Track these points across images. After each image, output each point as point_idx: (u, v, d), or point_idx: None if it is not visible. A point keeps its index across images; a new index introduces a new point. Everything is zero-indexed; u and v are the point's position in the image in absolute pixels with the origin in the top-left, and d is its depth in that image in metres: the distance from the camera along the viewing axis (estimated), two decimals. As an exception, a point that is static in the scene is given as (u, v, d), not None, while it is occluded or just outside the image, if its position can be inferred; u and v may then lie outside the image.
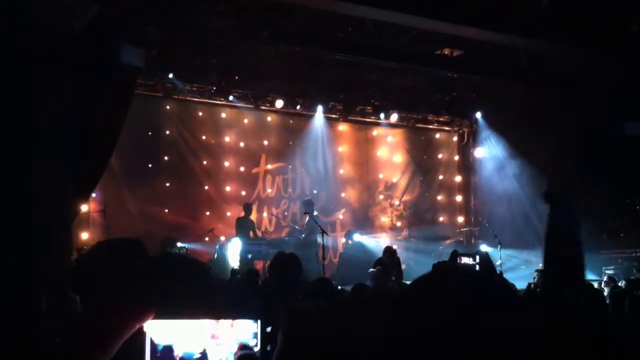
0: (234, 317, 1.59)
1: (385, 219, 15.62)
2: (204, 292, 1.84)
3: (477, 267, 5.25)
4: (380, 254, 12.70)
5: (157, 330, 1.60)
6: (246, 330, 1.58)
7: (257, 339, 1.56)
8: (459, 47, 11.58)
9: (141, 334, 1.59)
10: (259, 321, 1.57)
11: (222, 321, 1.60)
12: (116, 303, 1.63)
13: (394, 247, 11.79)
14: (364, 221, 15.24)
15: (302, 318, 1.49)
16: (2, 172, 6.63)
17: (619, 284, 8.83)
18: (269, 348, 1.54)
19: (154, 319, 1.61)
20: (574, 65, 11.44)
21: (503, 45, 11.04)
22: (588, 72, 11.51)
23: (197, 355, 1.58)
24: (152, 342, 1.61)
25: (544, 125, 12.82)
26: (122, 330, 1.55)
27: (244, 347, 1.56)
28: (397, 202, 15.74)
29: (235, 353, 1.58)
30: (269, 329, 1.56)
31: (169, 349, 1.59)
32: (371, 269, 9.18)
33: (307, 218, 12.26)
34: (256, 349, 1.58)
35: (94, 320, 1.59)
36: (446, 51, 11.90)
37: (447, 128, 16.32)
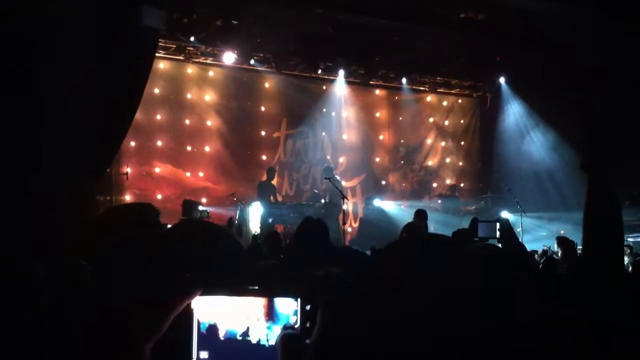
0: (274, 295, 1.57)
1: (405, 184, 15.59)
2: (241, 268, 1.84)
3: (498, 234, 5.20)
4: (400, 219, 12.74)
5: (200, 308, 1.60)
6: (286, 308, 1.57)
7: (296, 316, 1.55)
8: (485, 11, 11.34)
9: (189, 310, 1.58)
10: (298, 299, 1.55)
11: (261, 299, 1.59)
12: (168, 278, 1.62)
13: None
14: (385, 186, 15.22)
15: (340, 294, 1.48)
16: (23, 136, 6.68)
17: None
18: (308, 325, 1.52)
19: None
20: (599, 30, 11.16)
21: (528, 9, 10.80)
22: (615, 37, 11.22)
23: (240, 334, 1.57)
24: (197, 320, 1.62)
25: (569, 91, 12.58)
26: (173, 306, 1.55)
27: (287, 327, 1.55)
28: (418, 168, 15.67)
29: (280, 333, 1.57)
30: (308, 307, 1.55)
31: (212, 327, 1.58)
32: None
33: (328, 183, 12.26)
34: (294, 325, 1.57)
35: (139, 297, 1.58)
36: (470, 14, 11.67)
37: (469, 93, 16.11)
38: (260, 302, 1.58)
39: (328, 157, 14.53)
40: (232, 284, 1.61)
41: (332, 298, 1.42)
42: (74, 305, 1.62)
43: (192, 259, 1.75)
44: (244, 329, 1.57)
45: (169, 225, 2.10)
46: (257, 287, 1.62)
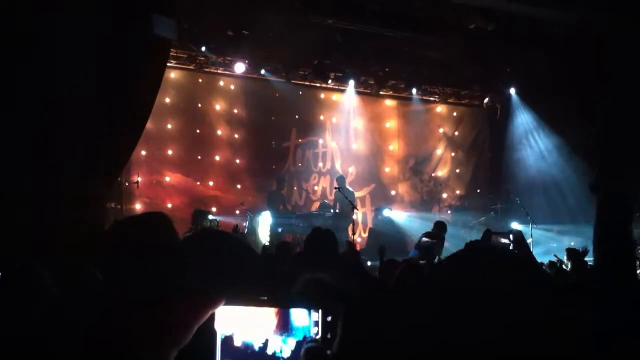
0: (295, 306, 1.57)
1: (415, 195, 15.56)
2: (260, 278, 1.85)
3: (511, 246, 5.20)
4: (409, 229, 12.73)
5: (220, 318, 1.61)
6: (302, 319, 1.56)
7: (317, 327, 1.54)
8: (493, 20, 11.35)
9: (212, 320, 1.59)
10: (320, 310, 1.54)
11: (280, 310, 1.59)
12: (191, 289, 1.63)
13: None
14: (394, 196, 15.20)
15: (360, 307, 1.49)
16: (31, 143, 6.72)
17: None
18: (329, 336, 1.52)
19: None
20: (610, 38, 11.13)
21: (538, 18, 10.81)
22: (625, 44, 11.19)
23: (259, 345, 1.56)
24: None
25: (579, 101, 12.54)
26: (198, 316, 1.56)
27: (310, 340, 1.54)
28: (427, 178, 15.65)
29: (302, 345, 1.56)
30: (329, 318, 1.54)
31: (230, 338, 1.58)
32: (425, 239, 9.14)
33: (336, 192, 12.28)
34: (317, 337, 1.56)
35: (165, 304, 1.59)
36: (480, 25, 11.68)
37: (479, 103, 16.10)
38: (276, 313, 1.58)
39: (338, 167, 14.55)
40: (252, 294, 1.61)
41: (352, 310, 1.43)
42: (83, 309, 1.63)
43: (211, 269, 1.75)
44: (263, 340, 1.57)
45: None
46: (277, 299, 1.62)
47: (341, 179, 12.79)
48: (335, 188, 12.34)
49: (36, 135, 6.74)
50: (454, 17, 11.32)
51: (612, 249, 2.65)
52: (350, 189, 12.98)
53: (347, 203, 11.58)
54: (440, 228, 9.91)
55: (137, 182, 11.49)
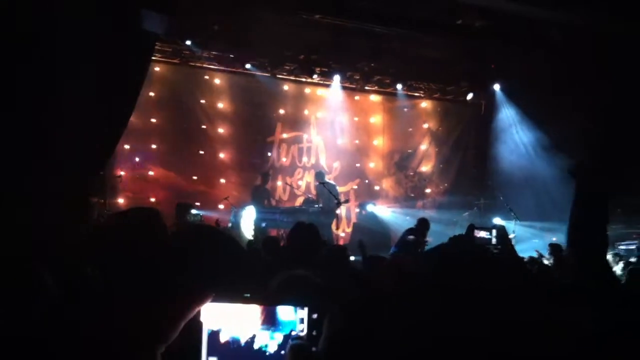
0: (282, 304, 1.58)
1: (399, 190, 15.61)
2: (247, 274, 1.85)
3: (494, 241, 5.25)
4: (393, 224, 12.78)
5: (206, 314, 1.61)
6: (288, 316, 1.57)
7: (303, 324, 1.55)
8: (482, 18, 11.40)
9: (198, 317, 1.59)
10: (306, 308, 1.55)
11: (267, 306, 1.59)
12: (178, 284, 1.64)
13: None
14: (378, 192, 15.24)
15: (346, 304, 1.50)
16: (18, 141, 6.67)
17: (631, 259, 8.79)
18: (314, 333, 1.53)
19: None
20: (599, 36, 11.23)
21: (524, 15, 10.87)
22: (612, 43, 11.29)
23: (245, 341, 1.58)
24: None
25: (564, 98, 12.64)
26: (184, 313, 1.56)
27: (295, 337, 1.55)
28: (412, 173, 15.70)
29: (288, 342, 1.56)
30: (315, 316, 1.55)
31: (218, 333, 1.59)
32: (410, 236, 9.16)
33: (319, 187, 12.27)
34: (302, 334, 1.57)
35: (150, 303, 1.59)
36: (467, 21, 11.73)
37: (464, 99, 16.16)
38: (263, 309, 1.59)
39: (322, 162, 14.56)
40: (240, 291, 1.62)
41: (339, 307, 1.44)
42: (83, 309, 1.63)
43: (199, 265, 1.76)
44: (250, 336, 1.58)
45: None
46: (263, 296, 1.63)
47: (320, 175, 12.76)
48: (320, 183, 12.35)
49: (19, 130, 6.69)
50: (440, 14, 11.36)
51: (587, 244, 2.70)
52: (332, 182, 12.97)
53: (332, 198, 11.58)
54: (423, 225, 9.95)
55: (120, 176, 11.42)
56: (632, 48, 11.10)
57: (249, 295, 1.61)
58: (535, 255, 8.96)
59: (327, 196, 11.99)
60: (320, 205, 12.46)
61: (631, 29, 10.68)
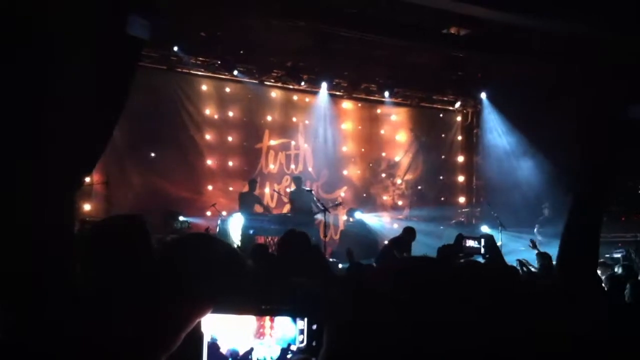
0: (281, 314, 1.56)
1: (386, 198, 15.64)
2: (248, 284, 1.81)
3: (482, 250, 5.26)
4: (381, 232, 12.78)
5: (208, 325, 1.59)
6: (292, 327, 1.54)
7: (303, 335, 1.53)
8: (469, 26, 11.47)
9: (199, 327, 1.57)
10: (305, 319, 1.53)
11: (265, 317, 1.58)
12: (178, 295, 1.60)
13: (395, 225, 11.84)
14: (366, 199, 15.24)
15: (344, 314, 1.47)
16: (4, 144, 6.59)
17: (615, 269, 8.82)
18: (314, 344, 1.50)
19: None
20: (583, 45, 11.33)
21: (512, 24, 10.95)
22: (597, 51, 11.40)
23: (244, 352, 1.55)
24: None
25: (550, 107, 12.74)
26: (185, 323, 1.54)
27: (297, 351, 1.53)
28: (399, 181, 15.73)
29: (287, 354, 1.53)
30: (314, 327, 1.52)
31: (217, 344, 1.57)
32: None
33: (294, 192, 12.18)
34: (301, 345, 1.55)
35: (150, 313, 1.56)
36: (454, 30, 11.80)
37: (451, 108, 16.24)
38: (263, 320, 1.57)
39: (310, 169, 14.55)
40: (240, 302, 1.60)
41: (339, 318, 1.41)
42: (83, 317, 1.60)
43: (201, 275, 1.70)
44: (249, 347, 1.56)
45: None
46: (263, 307, 1.60)
47: (298, 179, 12.70)
48: (308, 190, 12.34)
49: (4, 133, 6.62)
50: (426, 22, 11.41)
51: (578, 249, 2.71)
52: (308, 188, 12.92)
53: (307, 203, 11.56)
54: (409, 234, 9.95)
55: (107, 182, 11.34)
56: (617, 55, 11.21)
57: (252, 306, 1.59)
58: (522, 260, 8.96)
59: (303, 201, 11.96)
60: (291, 212, 12.40)
61: (616, 37, 10.79)
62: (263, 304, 1.60)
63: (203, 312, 1.56)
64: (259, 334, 1.56)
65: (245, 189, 12.70)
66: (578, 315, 2.29)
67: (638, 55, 10.74)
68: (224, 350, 1.56)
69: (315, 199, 11.86)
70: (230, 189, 13.35)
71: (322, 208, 11.44)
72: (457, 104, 15.91)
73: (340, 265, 10.01)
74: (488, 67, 14.06)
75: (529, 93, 13.13)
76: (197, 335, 1.56)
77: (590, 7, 9.71)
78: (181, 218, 10.99)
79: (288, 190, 13.86)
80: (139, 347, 1.50)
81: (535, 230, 12.18)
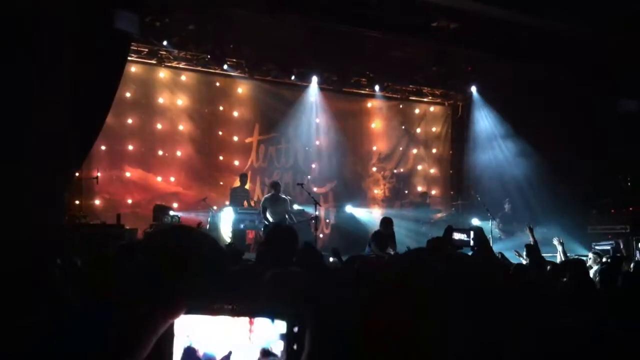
0: (261, 316, 1.43)
1: (377, 191, 15.66)
2: (226, 282, 1.73)
3: (472, 243, 5.28)
4: (371, 225, 12.77)
5: (180, 327, 1.45)
6: (271, 329, 1.43)
7: (283, 338, 1.41)
8: (457, 20, 11.49)
9: (170, 330, 1.44)
10: (285, 320, 1.42)
11: (244, 319, 1.44)
12: (152, 295, 1.53)
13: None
14: (356, 193, 15.25)
15: (330, 313, 1.40)
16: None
17: (604, 259, 8.89)
18: (295, 347, 1.38)
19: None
20: (570, 41, 11.39)
21: (499, 19, 10.98)
22: (584, 48, 11.46)
23: (221, 357, 1.43)
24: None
25: (538, 101, 12.80)
26: (156, 326, 1.42)
27: (266, 353, 1.41)
28: (389, 175, 15.75)
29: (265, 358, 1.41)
30: (295, 329, 1.40)
31: (190, 349, 1.44)
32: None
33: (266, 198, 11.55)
34: (281, 349, 1.40)
35: (125, 315, 1.49)
36: (443, 23, 11.80)
37: (441, 101, 16.27)
38: (241, 322, 1.44)
39: (300, 163, 14.54)
40: (216, 302, 1.47)
41: (321, 321, 1.34)
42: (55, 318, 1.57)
43: (172, 272, 1.64)
44: (226, 351, 1.43)
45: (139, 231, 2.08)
46: (240, 307, 1.47)
47: (277, 186, 11.64)
48: (298, 184, 12.32)
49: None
50: (416, 16, 11.41)
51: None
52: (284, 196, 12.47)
53: (285, 215, 11.22)
54: (387, 224, 9.92)
55: (97, 177, 11.29)
56: (607, 53, 11.29)
57: (227, 306, 1.46)
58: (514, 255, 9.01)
59: (277, 212, 11.35)
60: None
61: (605, 35, 10.87)
62: (241, 304, 1.46)
63: (175, 313, 1.44)
64: (238, 336, 1.44)
65: (236, 183, 12.69)
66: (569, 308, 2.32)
67: (621, 53, 10.83)
68: (200, 354, 1.44)
69: (290, 208, 11.52)
70: (221, 183, 13.34)
71: (294, 221, 11.20)
72: (447, 98, 15.94)
73: (331, 259, 10.01)
74: (478, 61, 14.06)
75: (519, 86, 13.18)
76: (169, 338, 1.44)
77: (573, 6, 9.78)
78: (171, 212, 10.96)
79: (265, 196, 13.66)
80: (106, 352, 1.42)
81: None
